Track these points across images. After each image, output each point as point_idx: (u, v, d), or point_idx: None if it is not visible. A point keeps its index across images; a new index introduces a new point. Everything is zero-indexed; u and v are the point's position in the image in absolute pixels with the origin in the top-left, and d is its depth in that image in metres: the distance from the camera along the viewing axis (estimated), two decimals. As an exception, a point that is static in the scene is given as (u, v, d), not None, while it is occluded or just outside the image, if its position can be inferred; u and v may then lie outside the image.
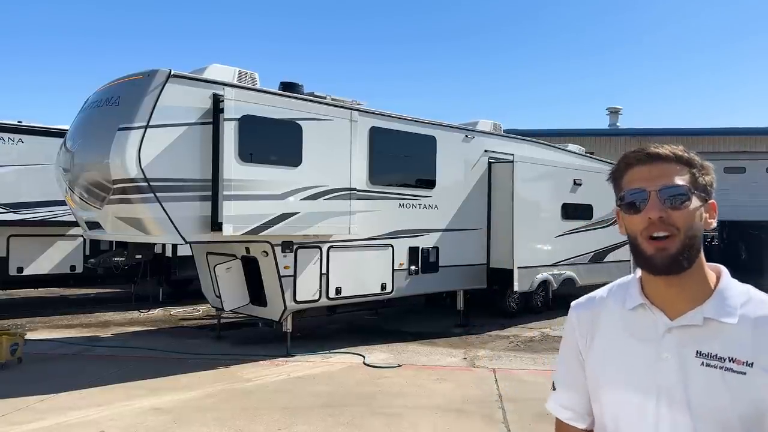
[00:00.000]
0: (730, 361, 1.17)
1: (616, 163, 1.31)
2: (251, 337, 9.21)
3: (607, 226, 12.30)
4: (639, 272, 1.32)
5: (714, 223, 1.25)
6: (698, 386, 1.18)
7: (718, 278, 1.26)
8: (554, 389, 1.45)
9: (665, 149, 1.24)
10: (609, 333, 1.32)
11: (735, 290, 1.24)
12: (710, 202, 1.25)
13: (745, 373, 1.15)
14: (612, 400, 1.28)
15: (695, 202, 1.21)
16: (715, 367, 1.17)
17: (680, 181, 1.21)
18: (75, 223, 8.99)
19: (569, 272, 11.45)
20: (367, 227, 8.58)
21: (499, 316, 10.91)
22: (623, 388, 1.26)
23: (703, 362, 1.18)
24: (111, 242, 10.57)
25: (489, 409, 5.90)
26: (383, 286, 8.91)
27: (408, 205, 9.24)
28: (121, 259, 10.13)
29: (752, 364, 1.15)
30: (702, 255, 1.24)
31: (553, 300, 11.47)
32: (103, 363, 7.56)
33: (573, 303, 1.46)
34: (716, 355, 1.18)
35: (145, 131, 6.56)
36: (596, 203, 11.98)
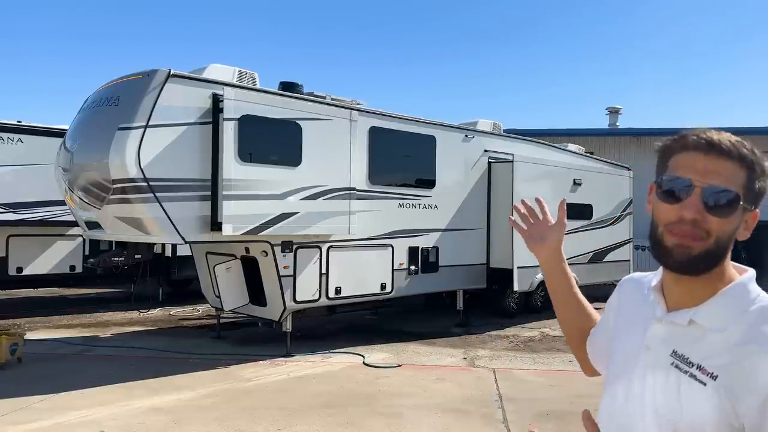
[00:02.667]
0: (697, 368, 1.08)
1: (671, 138, 1.17)
2: (251, 337, 9.21)
3: (606, 226, 12.31)
4: None
5: (748, 235, 1.13)
6: (660, 385, 1.13)
7: (732, 282, 1.14)
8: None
9: (730, 142, 1.10)
10: (625, 313, 1.31)
11: (742, 299, 1.11)
12: (754, 211, 1.12)
13: (705, 384, 1.06)
14: (607, 376, 1.29)
15: (739, 211, 1.08)
16: (682, 370, 1.11)
17: (732, 184, 1.07)
18: (75, 223, 8.99)
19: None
20: (366, 227, 8.58)
21: (498, 315, 10.91)
22: (614, 367, 1.25)
23: (673, 362, 1.12)
24: (110, 242, 10.58)
25: (489, 408, 5.90)
26: (383, 286, 8.91)
27: (408, 205, 9.23)
28: (120, 259, 10.14)
29: (717, 377, 1.06)
30: (726, 260, 1.13)
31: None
32: (103, 363, 7.55)
33: (627, 276, 1.43)
34: (687, 358, 1.11)
35: (144, 131, 6.56)
36: (596, 203, 11.98)
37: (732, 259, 1.21)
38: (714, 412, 1.05)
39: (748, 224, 1.13)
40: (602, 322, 1.43)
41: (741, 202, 1.07)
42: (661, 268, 1.22)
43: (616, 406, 1.22)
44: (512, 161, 10.38)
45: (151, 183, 6.59)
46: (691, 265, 1.09)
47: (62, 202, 8.66)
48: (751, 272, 1.16)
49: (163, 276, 12.48)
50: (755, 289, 1.13)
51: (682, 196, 1.08)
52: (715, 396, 1.05)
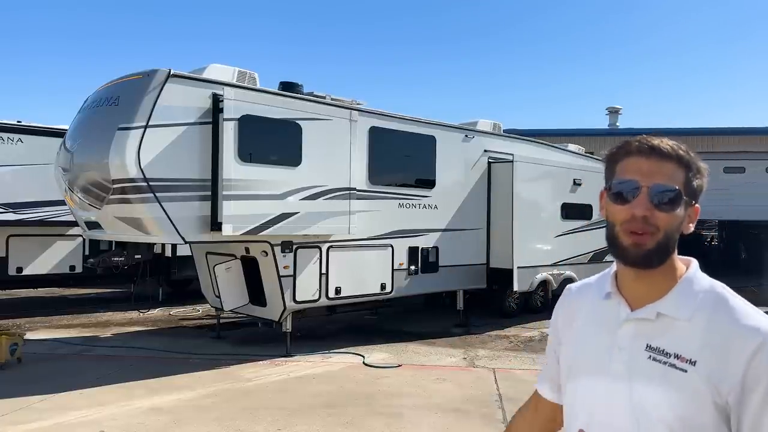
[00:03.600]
0: (675, 357, 1.16)
1: (616, 147, 1.29)
2: (251, 337, 9.21)
3: (606, 226, 12.31)
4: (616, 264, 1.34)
5: (692, 228, 1.25)
6: (641, 380, 1.19)
7: (685, 273, 1.26)
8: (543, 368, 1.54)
9: (668, 146, 1.21)
10: (583, 320, 1.36)
11: (697, 286, 1.23)
12: (695, 206, 1.24)
13: (686, 371, 1.14)
14: (574, 385, 1.32)
15: (682, 206, 1.20)
16: (661, 362, 1.17)
17: (674, 182, 1.19)
18: (74, 223, 8.98)
19: (569, 272, 11.45)
20: (366, 227, 8.58)
21: (498, 316, 10.90)
22: (584, 375, 1.29)
23: (650, 356, 1.19)
24: (110, 242, 10.57)
25: (489, 408, 5.90)
26: (383, 286, 8.91)
27: (408, 205, 9.23)
28: (120, 259, 10.13)
29: (695, 362, 1.14)
30: (675, 253, 1.24)
31: (553, 300, 11.46)
32: (102, 363, 7.55)
33: (566, 287, 1.50)
34: (663, 350, 1.18)
35: (144, 131, 6.56)
36: (596, 203, 11.86)
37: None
38: (699, 396, 1.13)
39: (692, 218, 1.24)
40: (549, 355, 1.48)
41: (683, 196, 1.19)
42: (607, 273, 1.35)
43: (596, 410, 1.26)
44: (512, 161, 10.37)
45: (151, 183, 6.59)
46: (646, 260, 1.19)
47: (62, 202, 8.65)
48: (695, 262, 1.28)
49: (163, 276, 12.48)
50: (704, 276, 1.26)
51: (631, 196, 1.19)
52: (698, 380, 1.13)
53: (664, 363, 1.17)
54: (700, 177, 1.24)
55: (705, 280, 1.24)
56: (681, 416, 1.14)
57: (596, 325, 1.31)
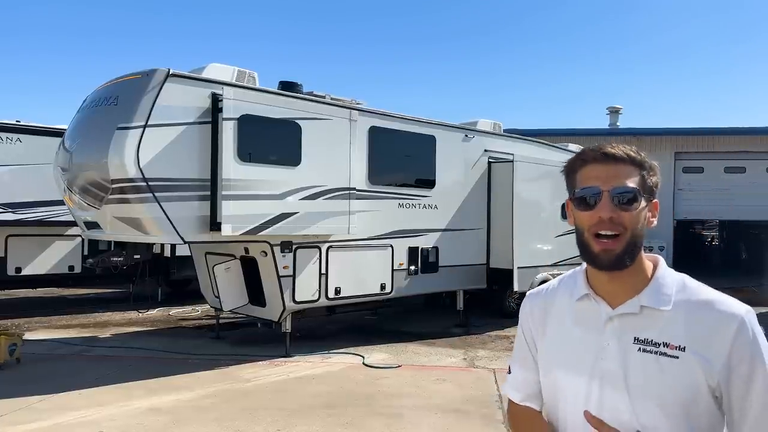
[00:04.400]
0: (664, 346, 1.24)
1: (573, 158, 1.38)
2: (250, 338, 9.19)
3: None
4: (585, 264, 1.39)
5: (655, 222, 1.33)
6: (636, 371, 1.25)
7: (655, 268, 1.34)
8: (510, 372, 1.55)
9: (621, 151, 1.30)
10: (559, 322, 1.41)
11: (669, 279, 1.32)
12: (653, 201, 1.33)
13: (678, 357, 1.22)
14: (560, 386, 1.37)
15: (642, 203, 1.29)
16: (651, 352, 1.25)
17: (631, 183, 1.28)
18: (73, 223, 8.96)
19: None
20: (366, 227, 8.56)
21: (499, 316, 10.88)
22: (570, 375, 1.34)
23: (640, 348, 1.26)
24: (109, 242, 10.55)
25: (489, 409, 5.88)
26: (383, 286, 8.89)
27: (407, 205, 9.22)
28: (119, 259, 10.12)
29: (684, 348, 1.23)
30: (642, 251, 1.32)
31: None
32: (101, 363, 7.54)
33: (528, 292, 1.58)
34: (652, 340, 1.25)
35: (143, 131, 6.54)
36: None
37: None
38: (695, 379, 1.22)
39: (653, 213, 1.34)
40: (523, 361, 1.50)
41: (642, 194, 1.28)
42: (573, 275, 1.43)
43: (586, 407, 1.29)
44: (512, 161, 10.36)
45: (150, 183, 6.58)
46: (618, 262, 1.27)
47: (61, 202, 8.64)
48: (662, 259, 1.37)
49: (162, 276, 12.46)
50: (673, 271, 1.36)
51: (593, 201, 1.28)
52: (690, 364, 1.22)
53: (655, 353, 1.24)
54: (654, 174, 1.33)
55: (676, 274, 1.34)
56: (680, 402, 1.21)
57: (577, 326, 1.36)
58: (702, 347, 1.22)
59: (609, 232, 1.26)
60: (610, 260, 1.26)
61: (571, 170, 1.36)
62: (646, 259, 1.35)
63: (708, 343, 1.22)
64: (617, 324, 1.30)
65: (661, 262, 1.36)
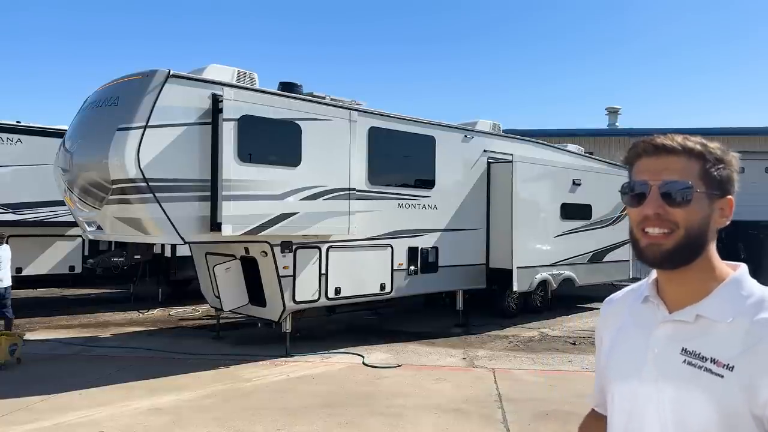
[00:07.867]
0: (711, 362, 1.12)
1: (629, 150, 1.27)
2: (250, 338, 9.21)
3: (606, 226, 12.31)
4: None
5: (727, 222, 1.19)
6: (674, 384, 1.15)
7: (730, 276, 1.20)
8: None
9: (674, 141, 1.18)
10: (623, 325, 1.33)
11: (745, 291, 1.17)
12: (727, 198, 1.19)
13: (722, 376, 1.10)
14: (612, 390, 1.29)
15: (701, 198, 1.15)
16: (696, 366, 1.13)
17: (685, 176, 1.15)
18: (74, 224, 8.99)
19: (568, 272, 11.45)
20: (366, 227, 8.58)
21: (498, 316, 10.90)
22: (620, 379, 1.27)
23: (685, 360, 1.15)
24: (110, 242, 10.58)
25: (488, 409, 5.90)
26: (382, 287, 8.91)
27: (407, 205, 9.24)
28: (120, 259, 10.16)
29: (733, 368, 1.09)
30: (710, 251, 1.19)
31: (553, 300, 11.49)
32: (102, 363, 7.55)
33: (605, 299, 1.46)
34: (699, 354, 1.14)
35: (144, 131, 6.56)
36: (595, 203, 11.99)
37: (731, 259, 1.24)
38: (735, 403, 1.07)
39: (725, 211, 1.19)
40: (598, 363, 1.44)
41: (698, 191, 1.15)
42: (648, 277, 1.31)
43: (631, 416, 1.22)
44: (512, 161, 10.38)
45: (150, 183, 6.59)
46: (664, 260, 1.16)
47: (62, 203, 8.65)
48: (744, 266, 1.22)
49: (163, 276, 12.48)
50: (752, 281, 1.19)
51: (642, 197, 1.18)
52: (735, 387, 1.08)
53: (699, 367, 1.12)
54: (724, 167, 1.18)
55: (756, 286, 1.18)
56: (714, 424, 1.09)
57: (633, 329, 1.28)
58: (755, 370, 1.07)
59: (657, 230, 1.15)
60: (657, 256, 1.15)
61: (628, 163, 1.26)
62: (726, 265, 1.21)
63: (763, 367, 1.07)
64: (669, 330, 1.19)
65: (742, 270, 1.21)
